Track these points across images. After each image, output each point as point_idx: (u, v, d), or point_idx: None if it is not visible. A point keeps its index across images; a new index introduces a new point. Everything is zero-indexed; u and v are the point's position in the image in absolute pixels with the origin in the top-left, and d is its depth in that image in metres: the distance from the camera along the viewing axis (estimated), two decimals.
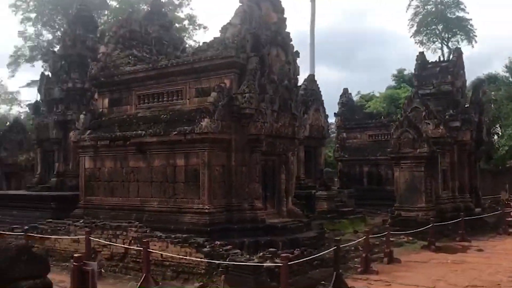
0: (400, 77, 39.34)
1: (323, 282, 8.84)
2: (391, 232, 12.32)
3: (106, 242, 9.89)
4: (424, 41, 42.38)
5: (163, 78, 12.74)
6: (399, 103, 30.92)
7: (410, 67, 34.74)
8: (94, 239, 9.86)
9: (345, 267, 10.19)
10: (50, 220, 12.45)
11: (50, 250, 11.08)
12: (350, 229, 16.93)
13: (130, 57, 13.71)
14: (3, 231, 12.10)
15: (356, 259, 10.97)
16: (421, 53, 18.63)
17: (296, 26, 39.32)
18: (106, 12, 34.87)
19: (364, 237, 10.34)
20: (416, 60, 18.21)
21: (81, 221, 11.40)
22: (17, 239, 10.30)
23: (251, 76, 11.59)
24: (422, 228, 13.77)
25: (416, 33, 42.33)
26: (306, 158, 21.95)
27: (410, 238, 14.09)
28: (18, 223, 13.76)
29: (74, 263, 4.76)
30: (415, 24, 42.22)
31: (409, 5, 42.12)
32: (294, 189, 14.22)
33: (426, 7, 41.99)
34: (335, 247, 8.70)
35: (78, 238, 10.29)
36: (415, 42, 42.52)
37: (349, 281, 9.02)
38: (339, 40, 78.35)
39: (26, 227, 11.76)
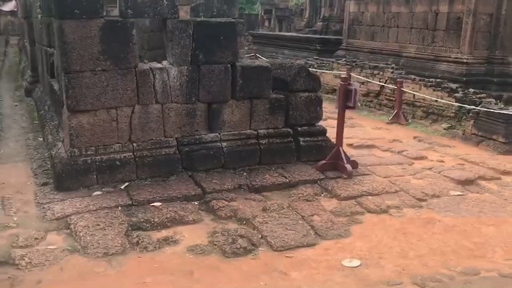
0: None
1: None
2: None
3: (364, 79, 10.94)
4: None
5: None
6: None
7: None
8: (354, 75, 11.02)
9: None
10: (317, 57, 14.11)
11: None
12: None
13: None
14: None
15: None
16: None
17: None
18: None
19: None
20: None
21: (343, 60, 12.68)
22: None
23: None
24: None
25: None
26: None
27: None
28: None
29: (341, 82, 5.83)
30: None
31: None
32: None
33: None
34: None
35: (339, 73, 11.59)
36: None
37: None
38: None
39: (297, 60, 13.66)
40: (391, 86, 10.20)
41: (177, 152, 5.57)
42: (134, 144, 5.39)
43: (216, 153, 5.74)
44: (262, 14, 31.40)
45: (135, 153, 5.35)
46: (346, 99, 5.79)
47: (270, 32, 24.80)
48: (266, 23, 30.46)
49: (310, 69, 11.93)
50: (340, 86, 5.84)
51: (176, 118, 5.58)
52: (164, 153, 5.48)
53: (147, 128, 5.44)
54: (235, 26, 5.74)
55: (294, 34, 20.46)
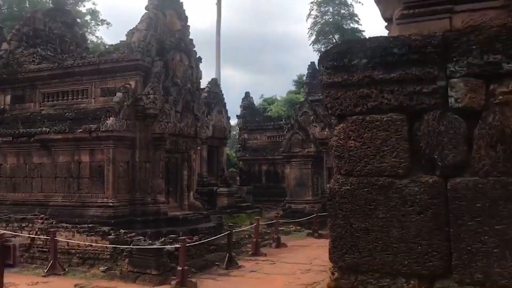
0: (300, 82, 42.07)
1: (217, 263, 10.07)
2: (282, 222, 13.85)
3: (12, 233, 10.25)
4: (322, 49, 45.45)
5: (68, 77, 13.16)
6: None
7: None
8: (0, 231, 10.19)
9: (238, 251, 11.51)
10: None
11: None
12: (247, 221, 18.37)
13: (35, 55, 13.92)
14: None
15: (248, 245, 12.34)
16: (312, 63, 20.72)
17: (202, 25, 40.60)
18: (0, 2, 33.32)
19: (255, 225, 11.73)
20: (308, 69, 20.24)
21: None
22: None
23: (155, 79, 12.49)
24: (307, 218, 15.57)
25: (315, 41, 45.37)
26: (208, 157, 23.13)
27: (298, 227, 15.86)
28: None
29: None
30: (314, 33, 45.21)
31: (309, 14, 45.14)
32: (195, 185, 15.35)
33: (324, 17, 45.14)
34: (228, 233, 9.95)
35: None
36: (314, 50, 45.63)
37: (240, 262, 10.34)
38: (245, 43, 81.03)
39: None
40: (43, 237, 9.94)
41: None
42: None
43: None
44: None
45: None
46: (5, 256, 5.43)
47: None
48: None
49: None
50: None
51: None
52: None
53: None
54: None
55: None
